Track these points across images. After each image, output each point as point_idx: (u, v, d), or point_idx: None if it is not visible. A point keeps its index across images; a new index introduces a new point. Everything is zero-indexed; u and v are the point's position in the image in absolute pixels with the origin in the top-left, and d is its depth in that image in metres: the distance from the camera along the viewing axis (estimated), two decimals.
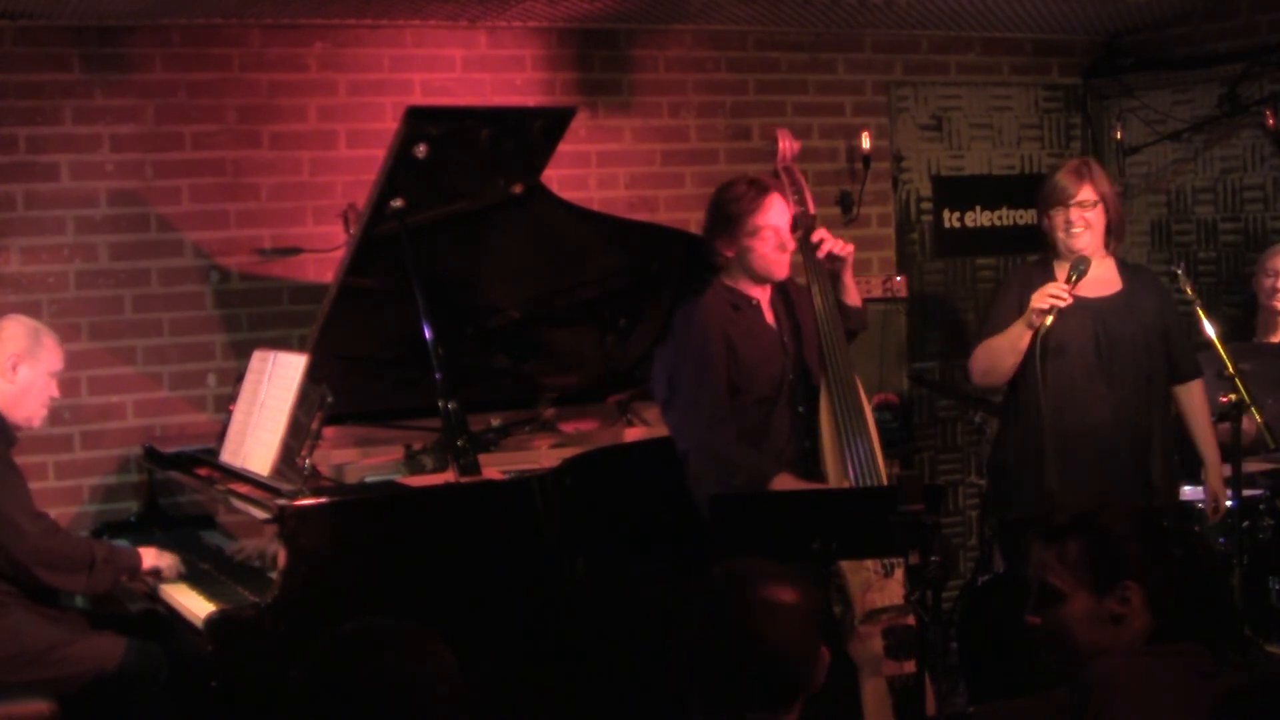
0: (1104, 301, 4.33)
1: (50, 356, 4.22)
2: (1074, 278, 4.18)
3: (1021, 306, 4.29)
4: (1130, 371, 4.31)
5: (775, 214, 4.11)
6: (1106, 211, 4.32)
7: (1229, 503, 4.33)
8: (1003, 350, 4.34)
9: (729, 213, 4.10)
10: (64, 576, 4.05)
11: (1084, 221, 4.29)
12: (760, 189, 4.12)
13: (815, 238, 4.21)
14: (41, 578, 4.01)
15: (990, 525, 5.03)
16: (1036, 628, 2.63)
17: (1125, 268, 4.46)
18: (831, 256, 4.21)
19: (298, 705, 1.95)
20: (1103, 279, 4.36)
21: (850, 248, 4.25)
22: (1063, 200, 4.31)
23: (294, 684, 1.96)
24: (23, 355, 4.14)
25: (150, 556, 4.20)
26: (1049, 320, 4.17)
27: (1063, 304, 4.16)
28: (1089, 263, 4.21)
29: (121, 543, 4.36)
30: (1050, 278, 4.30)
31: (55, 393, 4.27)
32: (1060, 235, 4.32)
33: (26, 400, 4.17)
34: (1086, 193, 4.30)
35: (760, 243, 4.10)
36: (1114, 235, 4.39)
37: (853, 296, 4.33)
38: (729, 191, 4.14)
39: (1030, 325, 4.22)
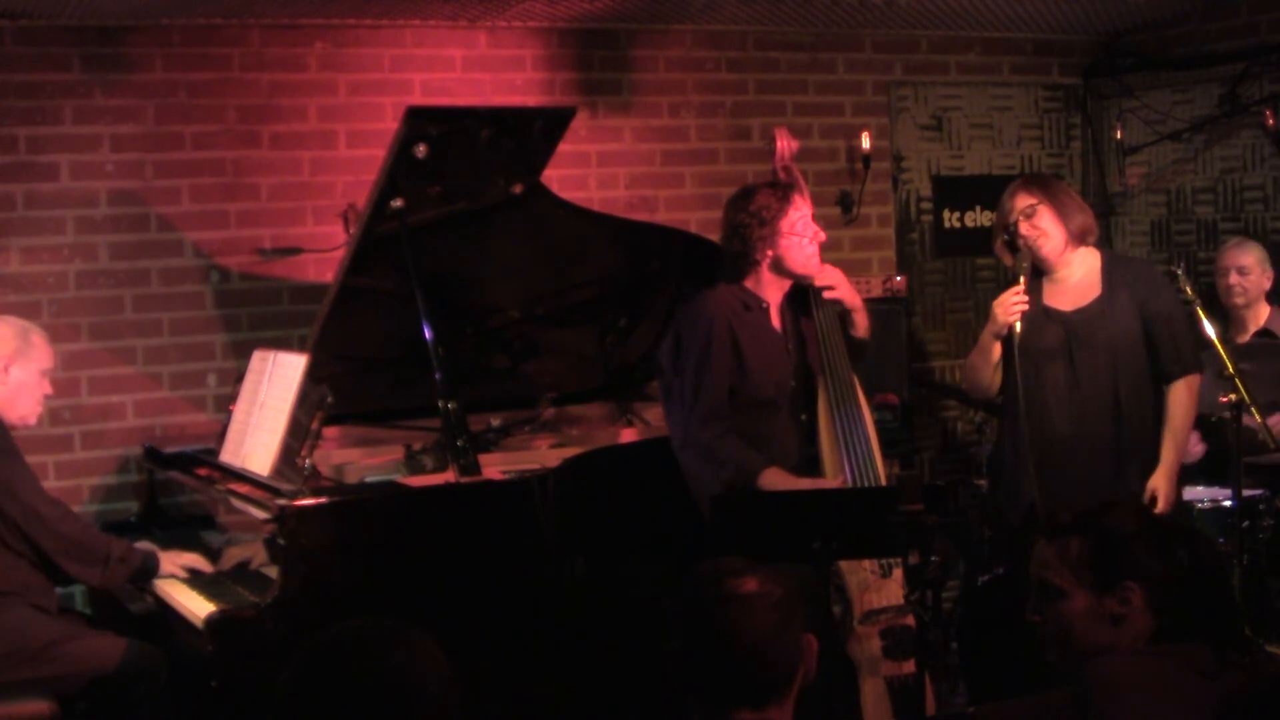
0: (1078, 314, 4.26)
1: (40, 355, 4.21)
2: (1023, 277, 4.18)
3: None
4: (1101, 381, 4.23)
5: (804, 208, 4.15)
6: (1056, 212, 4.22)
7: (1225, 502, 4.31)
8: (976, 364, 4.37)
9: (764, 218, 4.10)
10: (81, 567, 4.06)
11: (1035, 230, 4.23)
12: (785, 188, 4.16)
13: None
14: (62, 565, 4.02)
15: (988, 527, 5.03)
16: (1037, 626, 2.62)
17: (1110, 264, 4.35)
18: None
19: (286, 706, 1.95)
20: (1080, 287, 4.29)
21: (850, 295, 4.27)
22: (1005, 220, 4.27)
23: (282, 685, 1.96)
24: (14, 356, 4.14)
25: (169, 563, 4.20)
26: (1018, 327, 4.16)
27: (1025, 306, 4.16)
28: (1031, 255, 4.22)
29: (145, 544, 4.29)
30: (1035, 292, 4.27)
31: (48, 390, 4.27)
32: (1023, 251, 4.25)
33: (20, 400, 4.16)
34: (1022, 199, 4.24)
35: (799, 238, 4.11)
36: (1076, 236, 4.27)
37: (860, 330, 4.35)
38: (753, 202, 4.12)
39: (997, 335, 4.24)
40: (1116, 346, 4.24)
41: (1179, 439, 4.27)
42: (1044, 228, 4.24)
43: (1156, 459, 4.25)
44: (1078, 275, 4.31)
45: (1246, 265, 5.31)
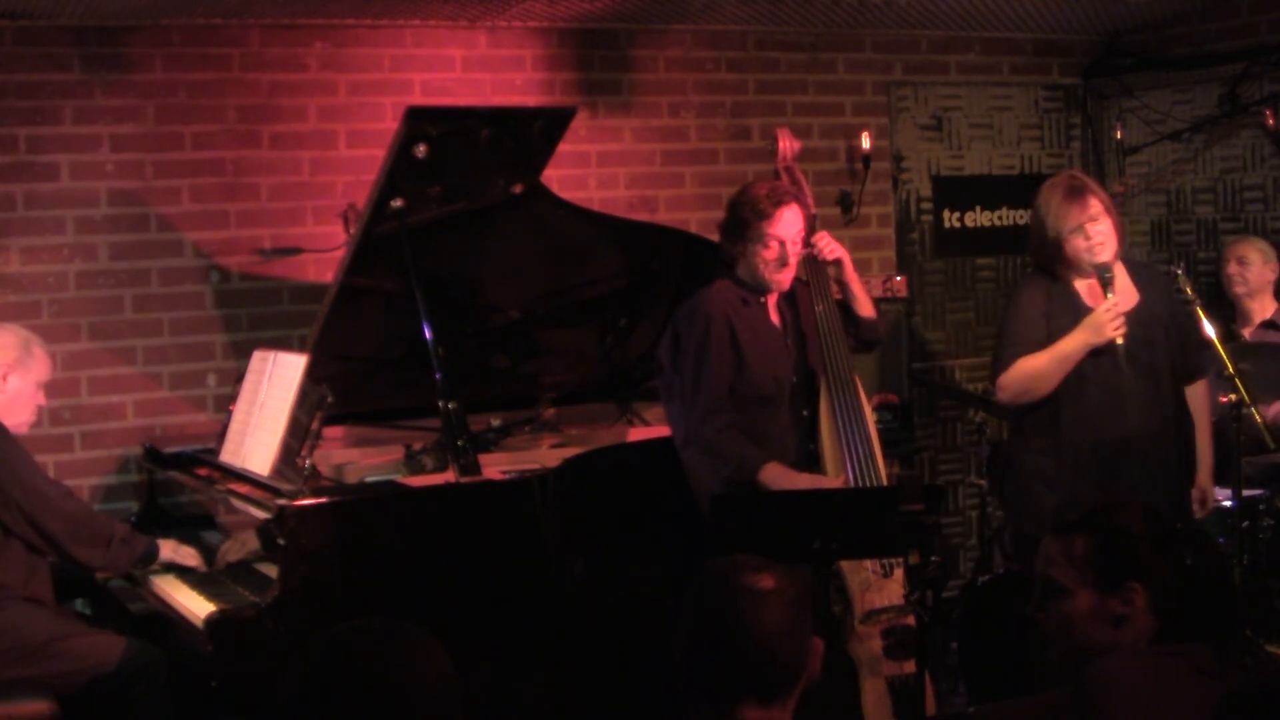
0: (1130, 314, 4.20)
1: (40, 367, 4.23)
2: (1109, 291, 4.12)
3: (1049, 318, 4.20)
4: (1156, 381, 4.22)
5: (784, 226, 4.08)
6: (1112, 215, 4.22)
7: (1225, 502, 4.31)
8: (1049, 370, 4.18)
9: (743, 216, 4.11)
10: (85, 548, 4.06)
11: (1101, 234, 4.17)
12: (777, 201, 4.09)
13: (815, 239, 4.23)
14: (66, 546, 4.03)
15: (1009, 531, 4.97)
16: (1040, 623, 2.62)
17: (1132, 268, 4.37)
18: (835, 263, 4.25)
19: (290, 706, 1.95)
20: (1122, 288, 4.24)
21: (840, 252, 4.25)
22: (1075, 225, 4.16)
23: (286, 685, 1.96)
24: (13, 365, 4.16)
25: (168, 549, 4.21)
26: (1120, 340, 4.10)
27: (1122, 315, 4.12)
28: (1112, 267, 4.15)
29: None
30: (1070, 294, 4.22)
31: (42, 401, 4.29)
32: (1084, 256, 4.17)
33: (15, 408, 4.18)
34: (1095, 207, 4.17)
35: (765, 251, 4.09)
36: (1122, 239, 4.28)
37: (864, 307, 4.32)
38: (747, 194, 4.13)
39: (1094, 345, 4.13)
40: (1166, 346, 4.26)
41: (1211, 435, 4.33)
42: (1106, 230, 4.19)
43: (1179, 456, 4.28)
44: (1118, 279, 4.25)
45: (1246, 256, 5.42)
